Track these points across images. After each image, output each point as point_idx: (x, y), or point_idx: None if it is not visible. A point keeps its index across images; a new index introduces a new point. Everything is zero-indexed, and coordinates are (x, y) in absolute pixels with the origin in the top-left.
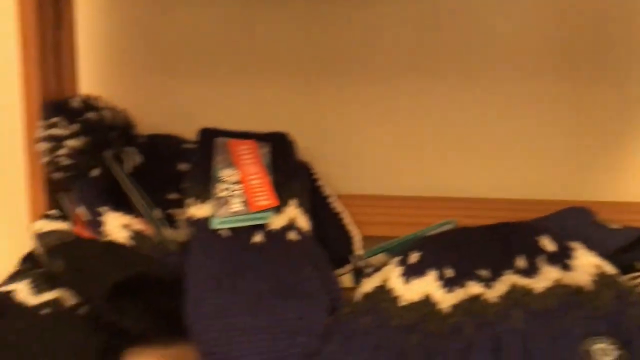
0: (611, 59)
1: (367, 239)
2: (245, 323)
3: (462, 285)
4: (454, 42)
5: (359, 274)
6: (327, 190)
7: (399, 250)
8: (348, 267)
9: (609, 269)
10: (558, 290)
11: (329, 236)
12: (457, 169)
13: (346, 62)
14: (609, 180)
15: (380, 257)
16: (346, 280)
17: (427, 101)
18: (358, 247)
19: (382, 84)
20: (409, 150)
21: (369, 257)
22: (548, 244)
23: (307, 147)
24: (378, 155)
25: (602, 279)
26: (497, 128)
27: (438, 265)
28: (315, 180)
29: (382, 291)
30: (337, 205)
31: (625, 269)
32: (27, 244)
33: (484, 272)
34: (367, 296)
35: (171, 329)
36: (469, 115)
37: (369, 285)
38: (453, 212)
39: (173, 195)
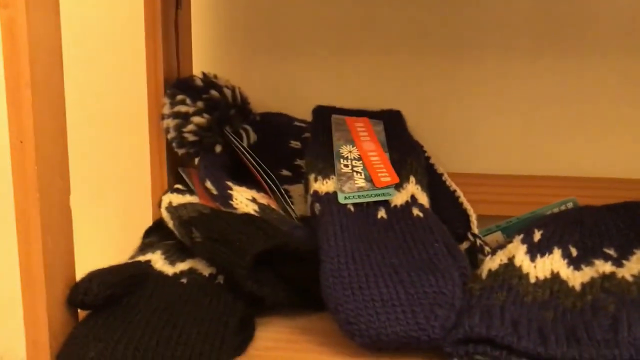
0: None
1: (482, 218)
2: (383, 294)
3: (590, 264)
4: (572, 20)
5: (474, 252)
6: (441, 168)
7: (516, 229)
8: (464, 245)
9: None
10: None
11: (445, 214)
12: (573, 147)
13: (458, 40)
14: None
15: (496, 236)
16: None
17: (543, 79)
18: (474, 225)
19: (495, 62)
20: (522, 129)
21: (484, 235)
22: None
23: (418, 126)
24: (491, 134)
25: None
26: (618, 105)
27: (562, 243)
28: (427, 158)
29: (510, 268)
30: (452, 184)
31: None
32: (147, 217)
33: (611, 251)
34: (495, 273)
35: (303, 299)
36: (586, 93)
37: (494, 262)
38: (571, 192)
39: (285, 172)
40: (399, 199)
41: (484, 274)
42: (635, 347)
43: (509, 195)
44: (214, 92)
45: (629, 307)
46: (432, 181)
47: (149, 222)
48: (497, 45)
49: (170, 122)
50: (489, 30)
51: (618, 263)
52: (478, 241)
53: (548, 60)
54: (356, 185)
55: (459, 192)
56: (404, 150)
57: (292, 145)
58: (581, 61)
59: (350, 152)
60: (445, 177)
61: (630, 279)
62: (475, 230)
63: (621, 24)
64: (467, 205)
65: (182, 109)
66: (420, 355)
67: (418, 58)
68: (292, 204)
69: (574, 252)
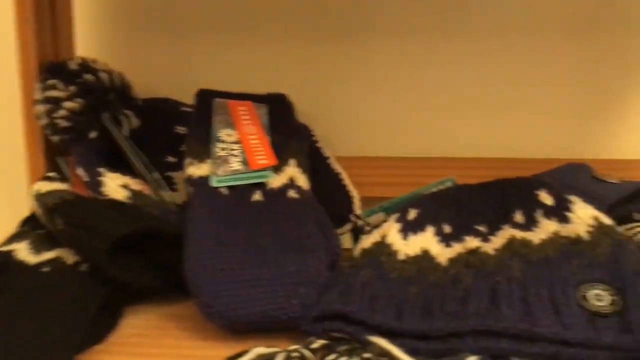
0: (613, 17)
1: (366, 200)
2: (245, 275)
3: (460, 240)
4: (455, 1)
5: (358, 233)
6: (327, 151)
7: (398, 208)
8: (347, 227)
9: (607, 220)
10: (556, 241)
11: (329, 196)
12: (456, 129)
13: (345, 23)
14: (608, 139)
15: (379, 216)
16: (345, 239)
17: (425, 62)
18: (357, 207)
19: (381, 45)
20: (408, 112)
21: (368, 216)
22: (546, 197)
23: (306, 109)
24: (377, 117)
25: (599, 229)
26: (495, 88)
27: (436, 221)
28: (314, 141)
29: (381, 246)
30: (337, 167)
31: (623, 220)
32: (26, 208)
33: (482, 227)
34: (367, 251)
35: (172, 285)
36: (466, 75)
37: (367, 241)
38: (452, 172)
39: (171, 159)
40: (277, 181)
41: (357, 253)
42: (480, 316)
43: (393, 177)
44: (88, 76)
45: (482, 279)
46: (318, 164)
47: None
48: (384, 27)
49: (41, 108)
50: (377, 12)
51: (485, 238)
52: (359, 222)
53: (431, 42)
54: (231, 168)
55: (343, 175)
56: (287, 133)
57: (178, 130)
58: (463, 44)
59: (229, 135)
60: (331, 160)
61: (491, 252)
62: (358, 212)
63: (505, 8)
64: (350, 187)
65: (54, 93)
66: (286, 336)
67: (308, 41)
68: (177, 190)
69: (447, 229)
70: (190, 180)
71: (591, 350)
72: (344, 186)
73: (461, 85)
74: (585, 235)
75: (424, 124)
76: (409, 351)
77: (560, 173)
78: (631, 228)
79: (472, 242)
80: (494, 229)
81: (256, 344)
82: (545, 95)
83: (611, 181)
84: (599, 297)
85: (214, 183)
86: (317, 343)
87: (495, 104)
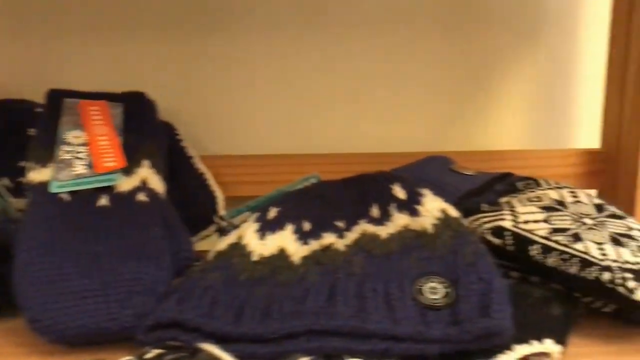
0: (476, 13)
1: (234, 200)
2: (76, 286)
3: (317, 237)
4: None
5: (224, 235)
6: (191, 151)
7: (262, 207)
8: (212, 228)
9: (453, 212)
10: (402, 235)
11: (192, 197)
12: (321, 125)
13: (208, 18)
14: (467, 131)
15: (244, 217)
16: (211, 242)
17: (288, 58)
18: (221, 208)
19: (245, 42)
20: (272, 109)
21: (232, 217)
22: (399, 191)
23: (170, 107)
24: (241, 115)
25: (444, 222)
26: (359, 84)
27: (296, 219)
28: (178, 140)
29: (236, 247)
30: (201, 166)
31: (471, 211)
32: None
33: (340, 223)
34: (220, 254)
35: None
36: (329, 71)
37: (224, 243)
38: (318, 168)
39: (23, 163)
40: (126, 184)
41: (211, 255)
42: (316, 315)
43: (259, 175)
44: None
45: (325, 276)
46: (180, 164)
47: None
48: (247, 24)
49: None
50: (240, 9)
51: (341, 234)
52: (223, 223)
53: (294, 39)
54: (74, 172)
55: (208, 175)
56: (143, 133)
57: (31, 133)
58: (327, 40)
59: (76, 137)
60: (195, 159)
61: (342, 249)
62: (222, 212)
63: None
64: (214, 187)
65: None
66: (127, 346)
67: (171, 36)
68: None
69: (307, 226)
70: (29, 187)
71: (421, 344)
72: (207, 186)
73: (325, 81)
74: (430, 228)
75: (288, 120)
76: (245, 356)
77: (419, 166)
78: (477, 219)
79: (328, 239)
80: (351, 224)
81: (89, 357)
82: (405, 91)
83: (467, 173)
84: (434, 290)
85: (53, 189)
86: (152, 353)
87: (360, 99)
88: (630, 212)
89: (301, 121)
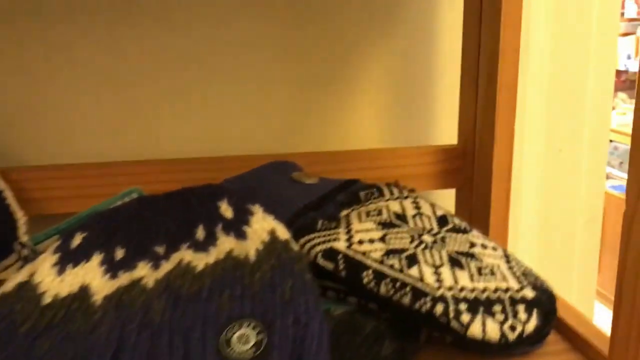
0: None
1: (46, 220)
2: None
3: (130, 268)
4: None
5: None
6: None
7: (68, 232)
8: (13, 258)
9: (283, 233)
10: (220, 266)
11: None
12: (146, 128)
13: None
14: (317, 131)
15: (53, 241)
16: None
17: (106, 54)
18: (22, 232)
19: (53, 34)
20: (90, 111)
21: (39, 242)
22: (226, 209)
23: None
24: (53, 119)
25: (269, 246)
26: (187, 79)
27: (107, 246)
28: None
29: (25, 288)
30: (0, 182)
31: (308, 229)
32: None
33: (160, 249)
34: (5, 296)
35: None
36: (153, 67)
37: (13, 281)
38: (144, 178)
39: None
40: None
41: None
42: None
43: (71, 189)
44: None
45: (116, 329)
46: None
47: None
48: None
49: None
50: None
51: (157, 264)
52: (25, 251)
53: (115, 30)
54: None
55: (7, 193)
56: None
57: None
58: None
59: None
60: None
61: (150, 285)
62: (24, 238)
63: None
64: (14, 207)
65: None
66: None
67: None
68: None
69: (120, 254)
70: None
71: None
72: (6, 207)
73: (150, 77)
74: (252, 256)
75: (108, 123)
76: None
77: (256, 175)
78: (310, 240)
79: (140, 271)
80: (171, 250)
81: None
82: (249, 87)
83: (308, 182)
84: (244, 339)
85: None
86: None
87: (191, 98)
88: (485, 210)
89: (124, 124)
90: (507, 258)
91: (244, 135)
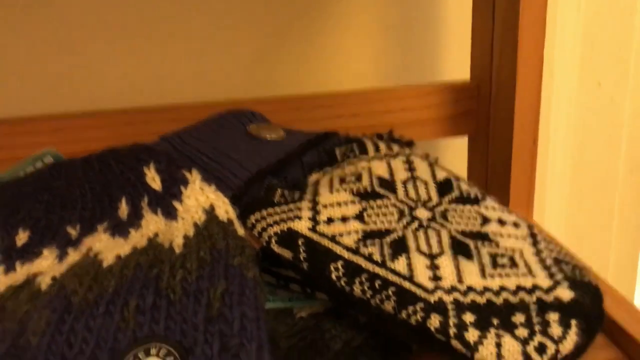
0: None
1: None
2: None
3: (31, 258)
4: None
5: None
6: None
7: None
8: None
9: (224, 209)
10: (133, 261)
11: None
12: (85, 75)
13: None
14: (297, 70)
15: None
16: None
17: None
18: None
19: None
20: (13, 55)
21: None
22: (153, 177)
23: None
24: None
25: (204, 230)
26: (133, 16)
27: (7, 227)
28: None
29: None
30: None
31: (262, 203)
32: None
33: (72, 230)
34: None
35: None
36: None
37: None
38: (67, 135)
39: None
40: None
41: None
42: None
43: None
44: None
45: None
46: None
47: None
48: None
49: None
50: None
51: (64, 252)
52: None
53: None
54: None
55: None
56: None
57: None
58: None
59: None
60: None
61: (44, 287)
62: None
63: None
64: None
65: None
66: None
67: None
68: None
69: (22, 237)
70: None
71: None
72: None
73: (89, 15)
74: (179, 244)
75: (37, 70)
76: None
77: (202, 128)
78: (262, 217)
79: (44, 261)
80: (86, 231)
81: None
82: (225, 25)
83: (270, 137)
84: None
85: None
86: None
87: (139, 34)
88: (505, 164)
89: (54, 71)
90: (534, 238)
91: (216, 79)
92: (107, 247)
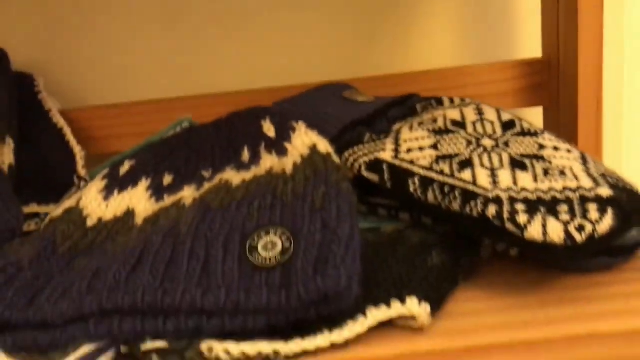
0: None
1: (99, 157)
2: None
3: (176, 191)
4: None
5: None
6: (49, 104)
7: (122, 159)
8: (73, 190)
9: (324, 147)
10: (255, 181)
11: (53, 155)
12: (201, 62)
13: None
14: (383, 52)
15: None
16: None
17: None
18: (81, 167)
19: None
20: (133, 53)
21: (94, 177)
22: (269, 128)
23: (32, 58)
24: (101, 62)
25: (308, 160)
26: (239, 7)
27: (155, 172)
28: (36, 93)
29: (71, 212)
30: (60, 120)
31: (353, 143)
32: None
33: (206, 173)
34: (52, 221)
35: None
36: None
37: (62, 207)
38: (194, 112)
39: None
40: None
41: (45, 224)
42: (111, 290)
43: (126, 126)
44: None
45: (140, 241)
46: (36, 119)
47: None
48: None
49: None
50: None
51: (201, 185)
52: (83, 184)
53: None
54: None
55: (67, 130)
56: None
57: None
58: None
59: None
60: (54, 113)
61: (188, 203)
62: (82, 172)
63: None
64: (73, 143)
65: None
66: None
67: None
68: None
69: (168, 179)
70: None
71: (238, 317)
72: (67, 142)
73: (202, 10)
74: (289, 169)
75: (153, 62)
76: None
77: (306, 97)
78: (354, 153)
79: (185, 192)
80: (217, 172)
81: None
82: (306, 11)
83: (361, 100)
84: (271, 246)
85: None
86: None
87: (247, 27)
88: (574, 126)
89: (177, 59)
90: (584, 160)
91: (306, 64)
92: (234, 176)
